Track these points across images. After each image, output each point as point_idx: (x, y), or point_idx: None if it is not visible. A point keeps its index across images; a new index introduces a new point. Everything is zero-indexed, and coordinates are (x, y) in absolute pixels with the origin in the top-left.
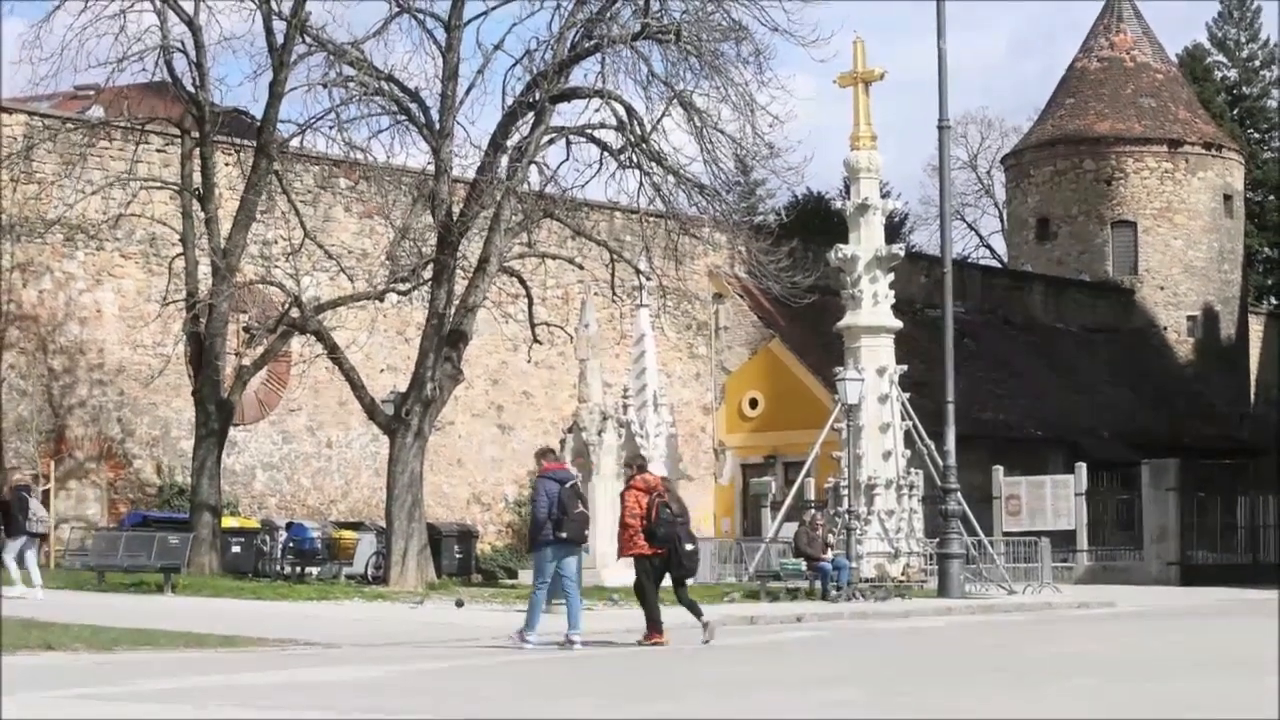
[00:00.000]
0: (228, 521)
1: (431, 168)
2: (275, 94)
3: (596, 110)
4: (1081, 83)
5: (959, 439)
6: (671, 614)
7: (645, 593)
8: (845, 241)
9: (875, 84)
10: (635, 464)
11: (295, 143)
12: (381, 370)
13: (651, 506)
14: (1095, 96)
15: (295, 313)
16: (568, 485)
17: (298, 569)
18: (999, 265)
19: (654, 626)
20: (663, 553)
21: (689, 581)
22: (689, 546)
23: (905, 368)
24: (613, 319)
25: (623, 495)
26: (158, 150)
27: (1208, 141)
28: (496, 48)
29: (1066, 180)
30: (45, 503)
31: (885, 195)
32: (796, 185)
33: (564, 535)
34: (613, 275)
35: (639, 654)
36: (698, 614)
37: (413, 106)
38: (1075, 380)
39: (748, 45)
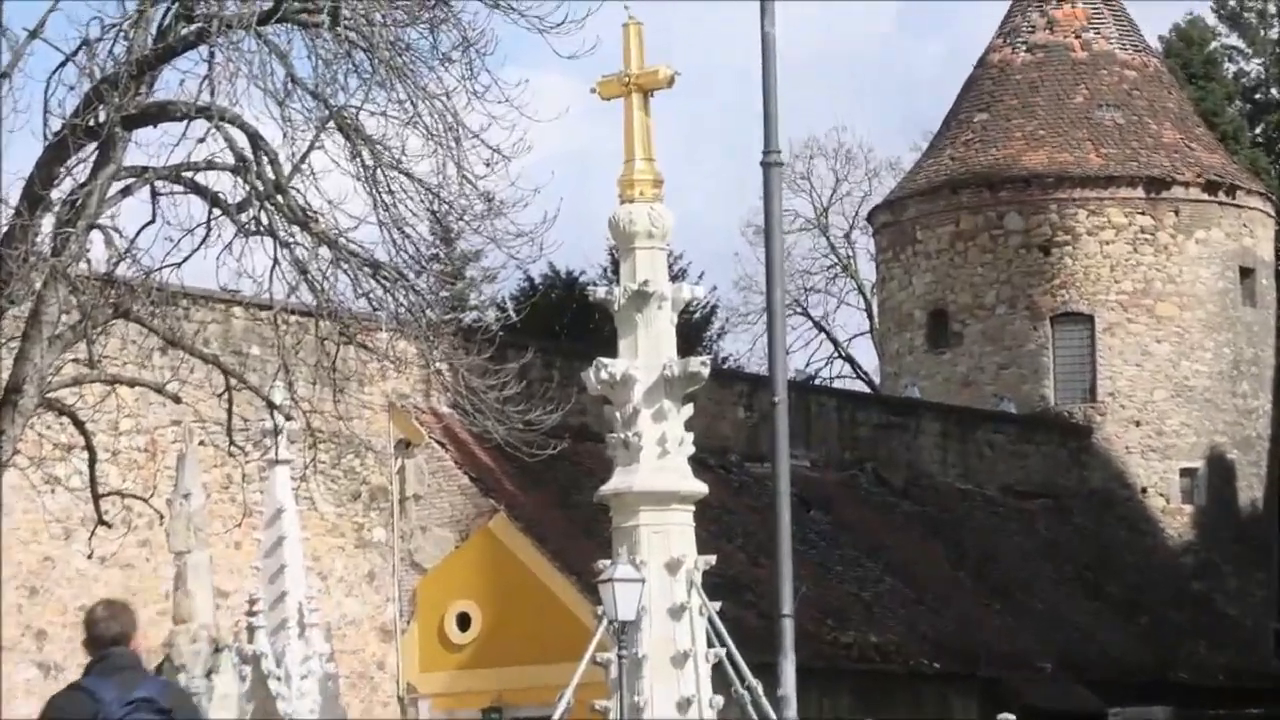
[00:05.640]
0: None
1: None
2: None
3: (201, 140)
4: (1001, 86)
5: (803, 674)
6: None
7: None
8: (613, 352)
9: (661, 93)
10: None
11: None
12: None
13: None
14: (1023, 109)
15: None
16: None
17: None
18: (866, 389)
19: None
20: None
21: None
22: None
23: (713, 559)
24: (230, 485)
25: None
26: None
27: (1214, 179)
28: (33, 34)
29: (976, 248)
30: None
31: (679, 276)
32: (532, 261)
33: None
34: (229, 413)
35: None
36: None
37: None
38: (995, 577)
39: (451, 32)
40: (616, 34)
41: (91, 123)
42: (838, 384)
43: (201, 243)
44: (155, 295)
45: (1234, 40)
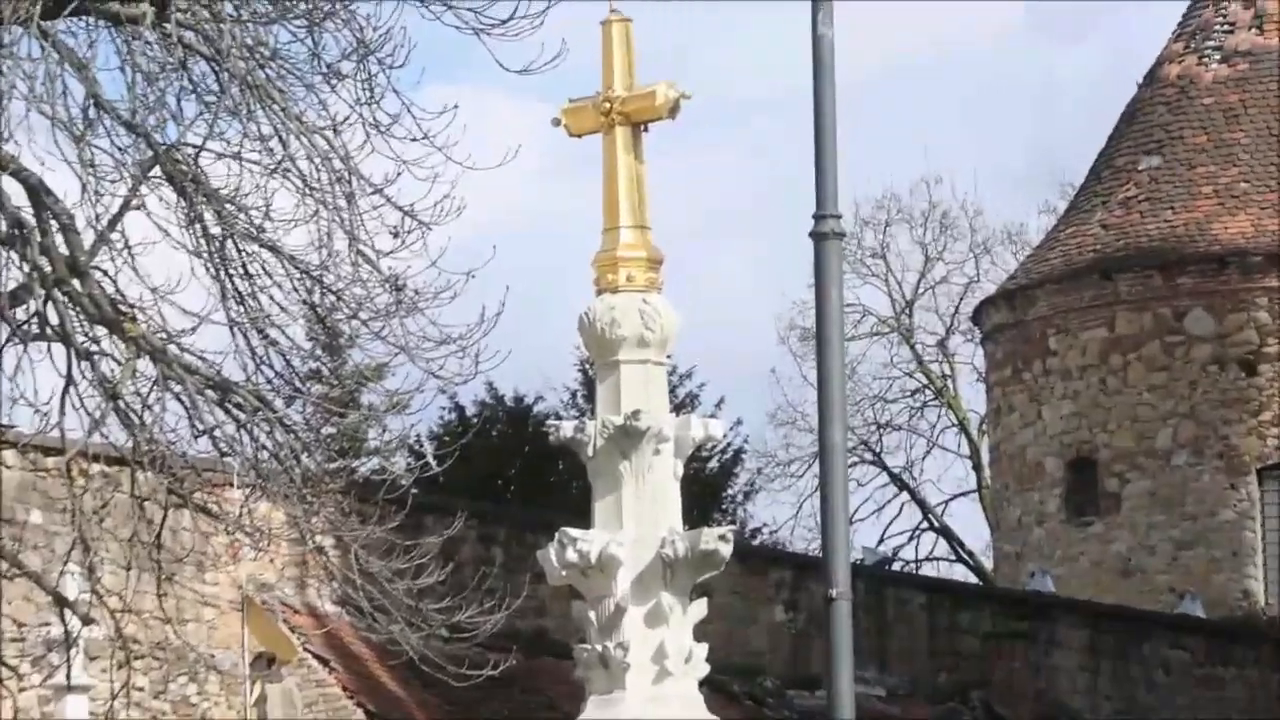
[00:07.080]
0: None
1: None
2: None
3: None
4: (1181, 115)
5: None
6: None
7: None
8: (586, 521)
9: (661, 126)
10: None
11: None
12: None
13: None
14: (1216, 150)
15: None
16: None
17: None
18: (973, 578)
19: None
20: None
21: None
22: None
23: None
24: None
25: None
26: None
27: None
28: None
29: (1142, 363)
30: None
31: (687, 404)
32: (463, 381)
33: None
34: None
35: None
36: None
37: None
38: None
39: (341, 32)
40: (592, 37)
41: None
42: (928, 570)
43: None
44: None
45: None
